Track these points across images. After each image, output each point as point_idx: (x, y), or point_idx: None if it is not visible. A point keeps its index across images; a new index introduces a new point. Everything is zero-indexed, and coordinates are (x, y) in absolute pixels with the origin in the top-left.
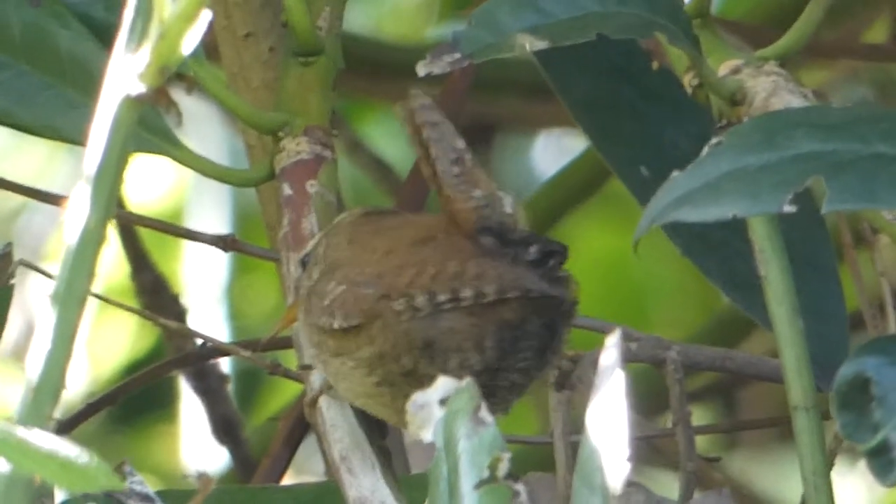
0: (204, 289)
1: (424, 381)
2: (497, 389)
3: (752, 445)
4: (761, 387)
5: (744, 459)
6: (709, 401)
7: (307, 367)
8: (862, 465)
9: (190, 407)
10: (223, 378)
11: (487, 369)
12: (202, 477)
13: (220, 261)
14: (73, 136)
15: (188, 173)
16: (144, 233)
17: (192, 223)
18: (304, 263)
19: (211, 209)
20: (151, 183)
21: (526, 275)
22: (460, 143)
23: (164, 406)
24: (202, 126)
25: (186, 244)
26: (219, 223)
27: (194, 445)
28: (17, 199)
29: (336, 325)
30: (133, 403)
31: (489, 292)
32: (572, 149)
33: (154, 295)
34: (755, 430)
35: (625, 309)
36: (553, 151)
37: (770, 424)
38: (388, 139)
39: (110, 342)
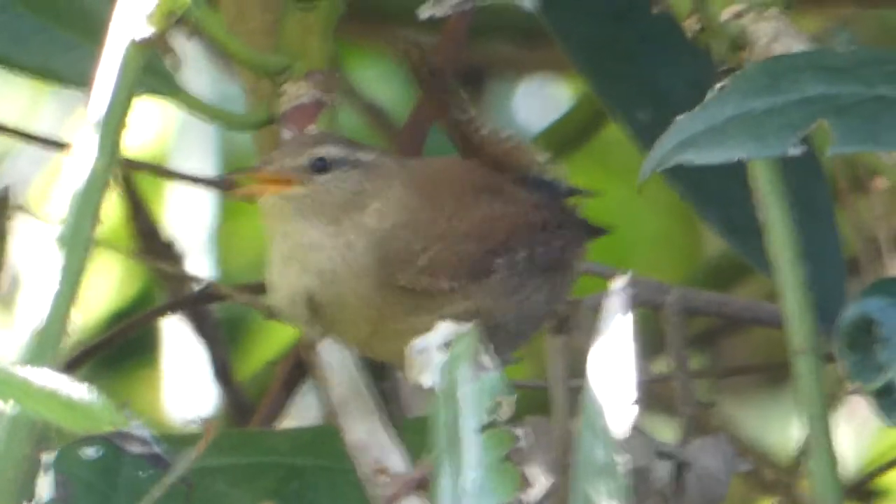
0: (189, 235)
1: (509, 336)
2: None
3: (737, 392)
4: (747, 334)
5: (729, 405)
6: (696, 348)
7: None
8: (848, 411)
9: (172, 353)
10: (218, 323)
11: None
12: (207, 421)
13: (206, 207)
14: (70, 78)
15: (173, 119)
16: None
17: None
18: (319, 167)
19: (195, 156)
20: (137, 129)
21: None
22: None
23: (146, 353)
24: (190, 70)
25: (171, 191)
26: (203, 169)
27: (176, 392)
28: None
29: (446, 287)
30: (116, 350)
31: (576, 243)
32: (554, 97)
33: (149, 240)
34: (739, 377)
35: (610, 256)
36: (535, 99)
37: (764, 369)
38: (382, 84)
39: (96, 289)
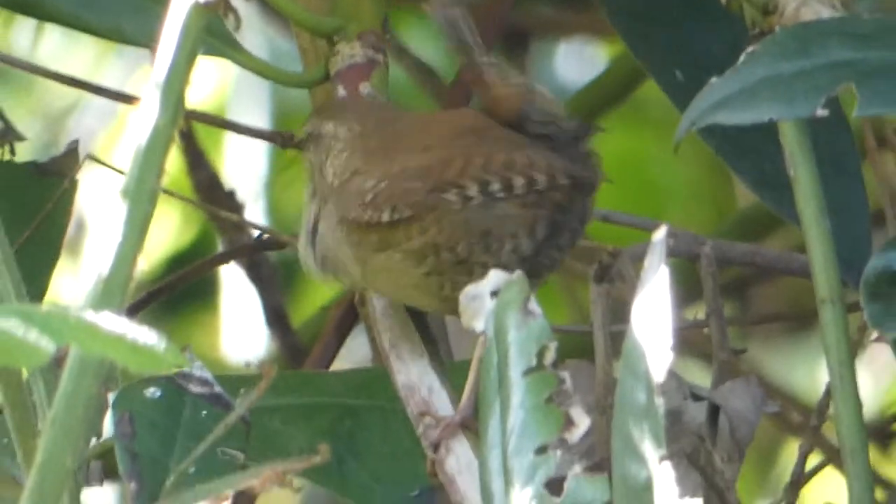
0: (245, 186)
1: (475, 268)
2: (541, 268)
3: (763, 339)
4: (776, 284)
5: (758, 351)
6: (727, 296)
7: None
8: (869, 357)
9: (231, 298)
10: (275, 269)
11: (536, 251)
12: (264, 364)
13: (260, 160)
14: (138, 39)
15: (228, 76)
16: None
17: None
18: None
19: (250, 111)
20: (196, 85)
21: (568, 160)
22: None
23: (205, 297)
24: (247, 30)
25: (228, 144)
26: (258, 124)
27: (234, 336)
28: (66, 99)
29: (386, 218)
30: (175, 294)
31: (540, 181)
32: (595, 58)
33: (210, 191)
34: (765, 325)
35: (646, 209)
36: (576, 59)
37: (792, 317)
38: (432, 44)
39: (156, 234)
